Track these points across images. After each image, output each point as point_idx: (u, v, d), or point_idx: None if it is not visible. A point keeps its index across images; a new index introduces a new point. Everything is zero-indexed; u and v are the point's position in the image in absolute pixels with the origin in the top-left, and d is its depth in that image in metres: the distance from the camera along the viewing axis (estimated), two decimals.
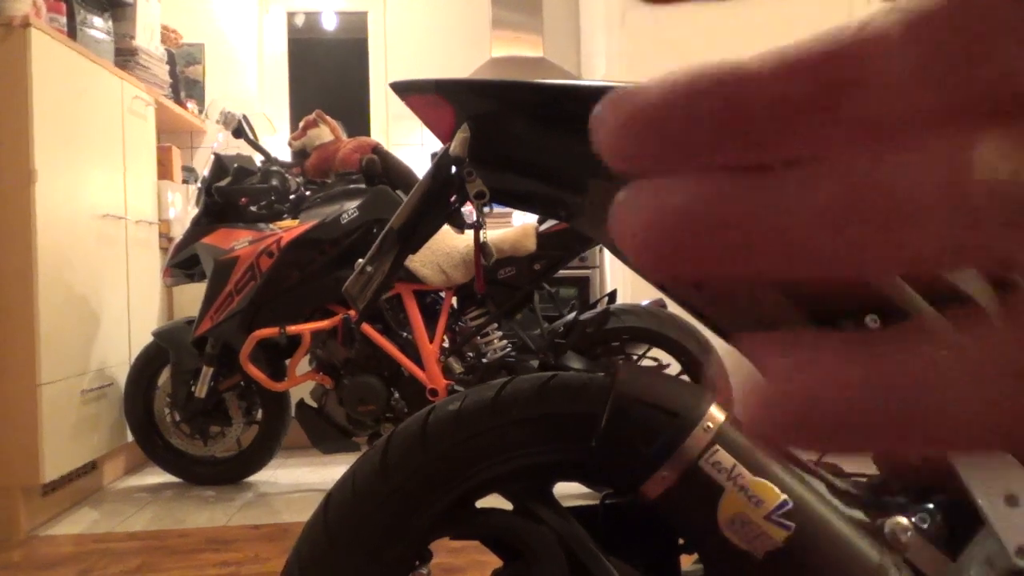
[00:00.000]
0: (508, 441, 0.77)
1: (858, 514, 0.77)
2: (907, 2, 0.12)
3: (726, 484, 0.63)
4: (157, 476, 2.86)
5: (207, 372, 2.52)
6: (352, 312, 2.38)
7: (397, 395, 2.45)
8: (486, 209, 0.89)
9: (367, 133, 4.16)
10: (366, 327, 2.38)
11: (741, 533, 0.63)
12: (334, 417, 2.47)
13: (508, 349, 2.41)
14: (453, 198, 0.90)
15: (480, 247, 0.96)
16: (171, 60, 3.43)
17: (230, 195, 2.38)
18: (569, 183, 0.86)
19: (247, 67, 3.94)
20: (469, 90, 0.85)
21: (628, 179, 0.62)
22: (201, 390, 2.53)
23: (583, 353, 2.40)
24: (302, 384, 2.49)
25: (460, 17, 4.11)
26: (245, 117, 2.50)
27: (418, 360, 2.38)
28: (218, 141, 2.93)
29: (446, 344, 2.47)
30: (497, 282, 2.37)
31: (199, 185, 2.54)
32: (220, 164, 2.47)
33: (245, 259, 2.33)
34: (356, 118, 4.25)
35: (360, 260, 0.81)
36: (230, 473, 2.75)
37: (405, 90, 0.88)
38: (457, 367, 2.42)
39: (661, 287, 1.00)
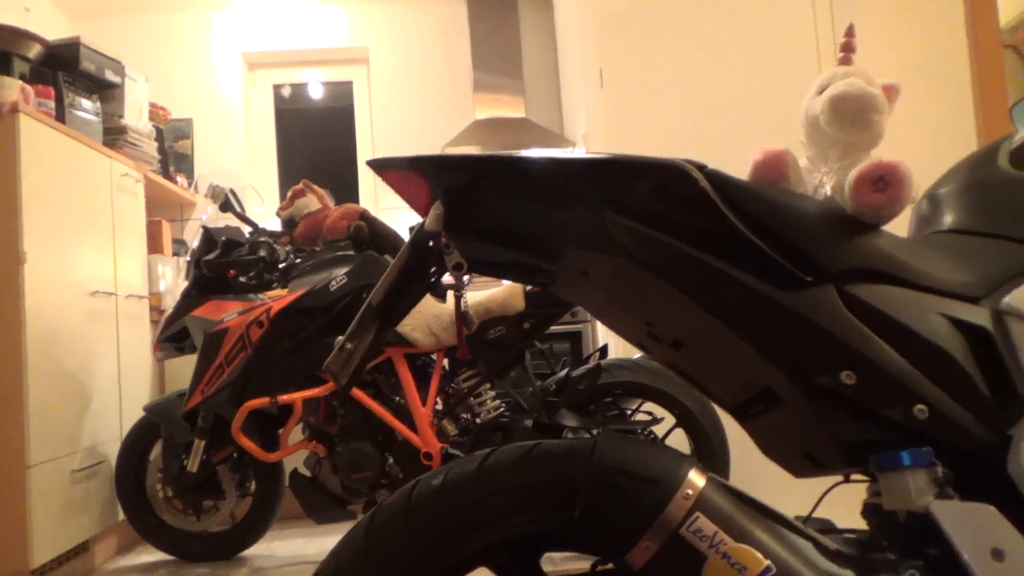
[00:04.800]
0: (492, 512, 0.76)
1: (848, 574, 0.77)
2: None
3: (708, 552, 0.63)
4: (150, 555, 2.81)
5: (199, 445, 2.49)
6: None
7: (392, 460, 2.43)
8: (465, 279, 0.90)
9: (356, 199, 4.22)
10: (359, 392, 2.37)
11: None
12: (328, 486, 2.44)
13: (502, 409, 2.40)
14: (433, 269, 0.91)
15: (461, 316, 0.97)
16: (160, 136, 3.48)
17: (218, 268, 2.39)
18: (545, 251, 0.87)
19: (235, 139, 4.01)
20: (442, 166, 0.87)
21: (604, 249, 0.65)
22: (193, 463, 2.50)
23: (577, 409, 2.39)
24: (296, 453, 2.47)
25: (443, 82, 4.20)
26: (232, 191, 2.54)
27: (412, 424, 2.36)
28: (207, 214, 2.98)
29: (440, 407, 2.46)
30: (487, 342, 2.37)
31: (188, 258, 2.56)
32: (208, 237, 2.49)
33: (235, 330, 2.33)
34: (345, 185, 4.31)
35: (340, 337, 0.82)
36: (225, 548, 2.70)
37: (381, 167, 0.90)
38: (452, 429, 2.40)
39: (642, 347, 1.01)
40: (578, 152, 0.80)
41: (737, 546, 0.64)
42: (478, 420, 2.38)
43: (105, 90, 2.98)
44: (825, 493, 0.93)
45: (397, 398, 2.41)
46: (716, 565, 0.63)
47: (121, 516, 2.71)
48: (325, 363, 0.81)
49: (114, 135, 3.01)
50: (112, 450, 2.72)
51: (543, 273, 0.92)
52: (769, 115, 2.79)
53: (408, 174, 0.89)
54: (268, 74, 4.27)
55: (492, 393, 2.42)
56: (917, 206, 1.05)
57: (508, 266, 0.92)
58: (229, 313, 2.38)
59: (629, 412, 2.43)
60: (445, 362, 2.46)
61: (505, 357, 2.35)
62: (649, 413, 2.38)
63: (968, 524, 0.72)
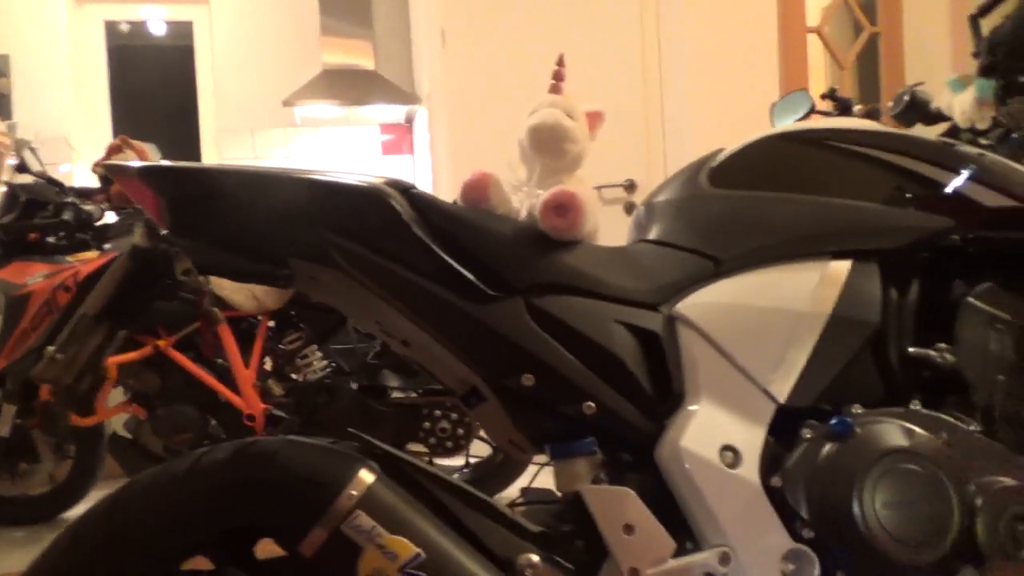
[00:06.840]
0: (204, 507, 0.83)
1: (523, 547, 0.89)
2: None
3: (365, 544, 0.73)
4: None
5: (8, 410, 2.42)
6: (161, 342, 2.35)
7: (215, 422, 2.45)
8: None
9: (197, 146, 4.07)
10: (179, 356, 2.36)
11: None
12: (151, 448, 2.44)
13: (328, 371, 2.46)
14: (161, 274, 0.95)
15: (205, 314, 1.02)
16: None
17: (16, 231, 2.29)
18: (270, 260, 0.93)
19: (60, 79, 3.75)
20: (166, 176, 0.91)
21: (320, 261, 0.75)
22: (3, 428, 2.43)
23: (401, 370, 2.49)
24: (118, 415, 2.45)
25: (289, 24, 4.08)
26: (31, 147, 2.41)
27: (235, 387, 2.38)
28: (13, 162, 2.81)
29: (269, 368, 2.49)
30: (311, 305, 2.41)
31: None
32: (12, 196, 2.37)
33: (40, 294, 2.25)
34: (186, 129, 4.14)
35: (49, 347, 0.85)
36: (45, 510, 2.66)
37: (116, 173, 0.93)
38: (277, 390, 2.44)
39: (384, 341, 1.09)
40: (306, 171, 0.86)
41: (391, 537, 0.74)
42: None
43: None
44: (539, 470, 1.06)
45: (220, 360, 2.42)
46: (370, 555, 0.73)
47: None
48: (32, 373, 0.85)
49: None
50: None
51: (276, 277, 0.97)
52: (603, 84, 2.91)
53: (137, 182, 0.92)
54: (98, 9, 4.00)
55: (319, 355, 2.47)
56: (637, 212, 1.17)
57: (240, 269, 0.98)
58: (34, 276, 2.29)
59: None
60: (271, 324, 2.49)
61: (327, 320, 2.40)
62: None
63: (607, 504, 0.85)
